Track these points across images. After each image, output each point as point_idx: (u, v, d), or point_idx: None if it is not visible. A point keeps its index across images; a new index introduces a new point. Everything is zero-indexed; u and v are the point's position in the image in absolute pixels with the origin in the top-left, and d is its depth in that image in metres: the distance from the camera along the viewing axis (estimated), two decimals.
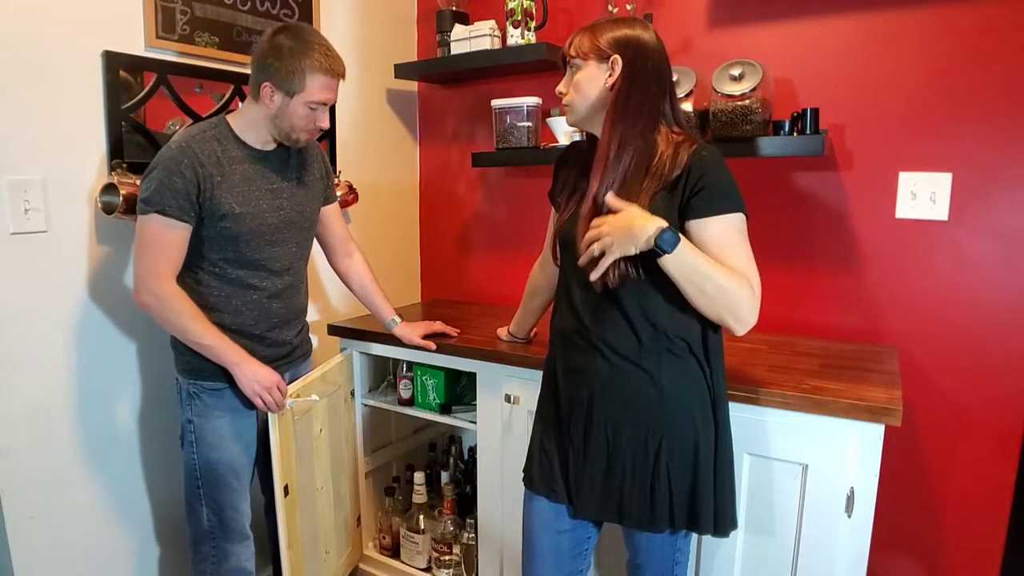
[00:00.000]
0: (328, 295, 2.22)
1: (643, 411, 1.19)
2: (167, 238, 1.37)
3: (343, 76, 1.44)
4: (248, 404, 1.50)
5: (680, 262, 1.09)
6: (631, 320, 1.18)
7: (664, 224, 1.08)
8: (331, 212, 1.72)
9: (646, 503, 1.20)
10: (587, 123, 1.25)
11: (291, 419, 1.56)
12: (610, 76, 1.19)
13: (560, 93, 1.26)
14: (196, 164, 1.37)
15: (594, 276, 1.14)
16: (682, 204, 1.15)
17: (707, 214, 1.13)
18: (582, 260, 1.15)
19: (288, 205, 1.51)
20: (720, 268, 1.11)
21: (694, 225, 1.14)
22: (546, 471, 1.30)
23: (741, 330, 1.13)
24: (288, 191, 1.52)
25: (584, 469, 1.25)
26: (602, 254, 1.11)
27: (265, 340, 1.53)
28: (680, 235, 1.09)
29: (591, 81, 1.21)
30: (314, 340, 2.16)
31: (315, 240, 1.73)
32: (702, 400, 1.20)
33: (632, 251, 1.09)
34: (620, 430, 1.20)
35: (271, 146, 1.50)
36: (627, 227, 1.09)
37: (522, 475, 1.36)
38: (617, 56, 1.18)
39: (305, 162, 1.58)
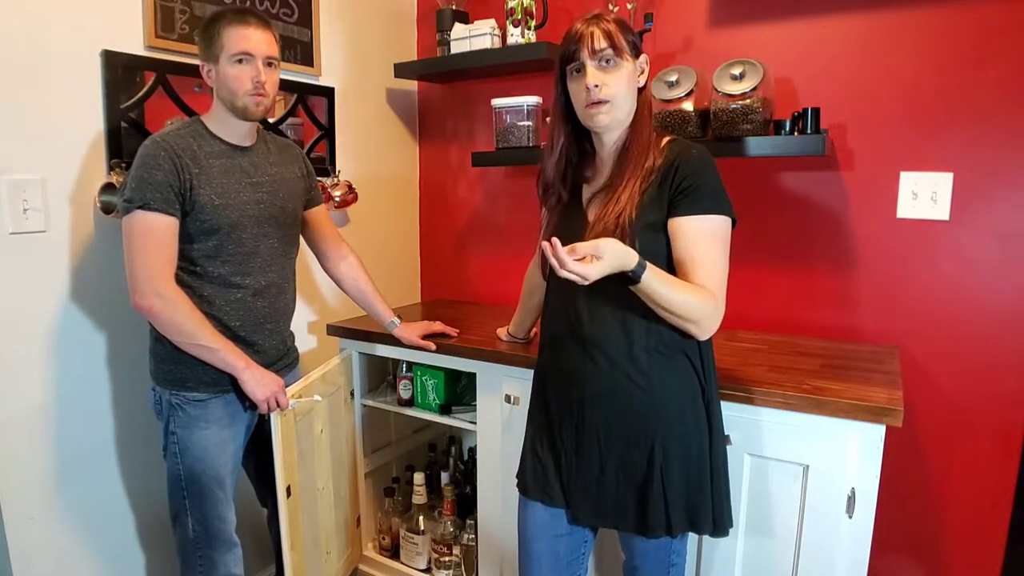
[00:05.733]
0: (326, 296, 2.21)
1: (635, 414, 1.18)
2: (157, 233, 1.34)
3: (259, 23, 1.40)
4: (241, 410, 1.50)
5: (646, 288, 1.06)
6: (624, 321, 1.17)
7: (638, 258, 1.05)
8: (318, 215, 1.70)
9: (641, 508, 1.19)
10: (622, 124, 1.19)
11: (293, 420, 1.56)
12: (642, 75, 1.19)
13: (598, 86, 1.13)
14: (173, 155, 1.35)
15: (563, 273, 1.01)
16: (668, 202, 1.14)
17: (689, 212, 1.12)
18: (568, 265, 0.99)
19: (268, 199, 1.50)
20: (680, 288, 1.08)
21: (675, 222, 1.13)
22: (540, 476, 1.28)
23: (702, 337, 1.16)
24: (268, 186, 1.51)
25: (577, 474, 1.24)
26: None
27: (254, 346, 1.50)
28: (647, 264, 1.05)
29: (632, 79, 1.17)
30: (313, 341, 2.17)
31: (306, 244, 1.72)
32: (695, 400, 1.20)
33: (610, 271, 1.03)
34: (612, 434, 1.19)
35: (248, 142, 1.50)
36: (623, 252, 1.03)
37: (516, 480, 1.35)
38: (647, 56, 1.19)
39: (284, 160, 1.58)
